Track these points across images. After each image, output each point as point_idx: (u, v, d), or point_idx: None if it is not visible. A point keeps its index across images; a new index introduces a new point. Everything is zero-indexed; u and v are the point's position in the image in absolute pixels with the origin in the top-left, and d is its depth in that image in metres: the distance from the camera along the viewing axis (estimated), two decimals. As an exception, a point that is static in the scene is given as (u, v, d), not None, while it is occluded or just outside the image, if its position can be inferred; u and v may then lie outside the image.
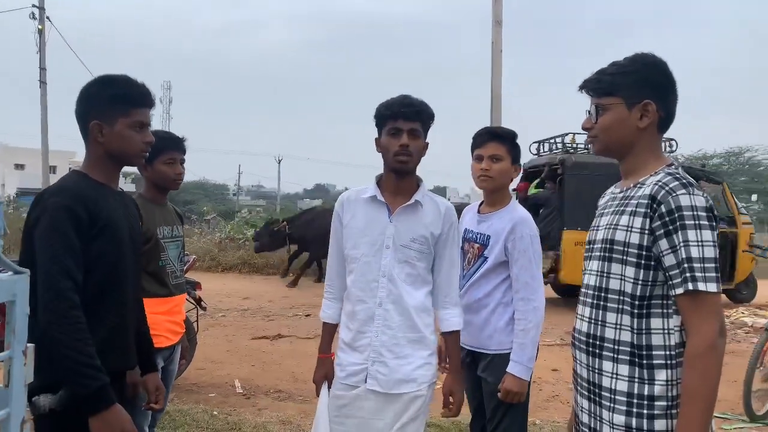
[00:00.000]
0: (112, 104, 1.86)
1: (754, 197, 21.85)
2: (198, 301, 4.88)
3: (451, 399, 2.28)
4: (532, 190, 10.25)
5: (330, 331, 2.37)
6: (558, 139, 10.35)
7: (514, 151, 2.63)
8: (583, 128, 1.72)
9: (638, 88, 1.61)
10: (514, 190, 10.27)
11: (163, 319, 2.62)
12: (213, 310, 8.21)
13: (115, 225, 1.84)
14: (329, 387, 2.29)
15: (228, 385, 5.18)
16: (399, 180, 2.25)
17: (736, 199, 10.22)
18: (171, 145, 2.69)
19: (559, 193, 9.56)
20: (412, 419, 2.18)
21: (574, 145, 10.07)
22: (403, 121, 2.18)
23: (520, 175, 2.71)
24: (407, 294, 2.20)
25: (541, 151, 10.63)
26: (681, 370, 1.49)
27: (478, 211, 2.69)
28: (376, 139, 2.28)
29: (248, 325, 7.92)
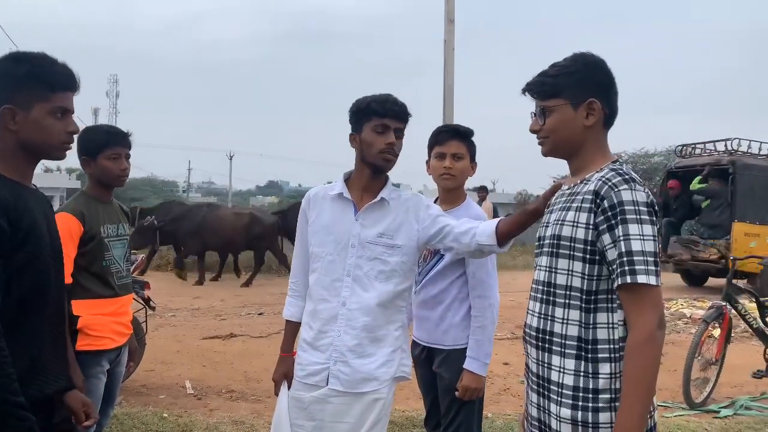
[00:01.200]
0: (29, 86, 1.59)
1: None
2: (146, 301, 4.77)
3: None
4: (696, 185, 11.37)
5: (293, 329, 2.35)
6: (709, 145, 12.01)
7: (473, 148, 2.66)
8: (531, 131, 1.73)
9: (581, 88, 1.64)
10: (669, 188, 12.09)
11: (108, 320, 2.54)
12: (162, 310, 8.03)
13: (38, 231, 1.61)
14: (289, 386, 2.26)
15: (178, 386, 5.07)
16: (374, 177, 2.23)
17: None
18: (115, 140, 2.58)
19: (729, 189, 10.87)
20: (375, 424, 2.16)
21: (737, 149, 11.53)
22: (392, 120, 2.18)
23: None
24: (375, 292, 2.17)
25: (685, 153, 12.29)
26: (623, 363, 1.52)
27: None
28: (352, 134, 2.23)
29: (199, 325, 7.78)
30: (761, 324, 5.22)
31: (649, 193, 1.57)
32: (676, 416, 4.58)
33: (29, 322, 1.58)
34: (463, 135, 2.65)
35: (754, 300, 5.26)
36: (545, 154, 1.75)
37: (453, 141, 2.61)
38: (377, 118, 2.17)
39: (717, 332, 5.10)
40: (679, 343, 6.66)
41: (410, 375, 2.30)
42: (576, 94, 1.64)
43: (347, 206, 2.23)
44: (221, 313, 8.74)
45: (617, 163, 1.65)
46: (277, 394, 2.30)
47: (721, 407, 4.83)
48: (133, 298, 4.28)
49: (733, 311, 5.07)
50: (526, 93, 1.73)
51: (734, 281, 5.14)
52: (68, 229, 2.39)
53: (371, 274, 2.17)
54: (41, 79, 1.61)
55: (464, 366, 2.48)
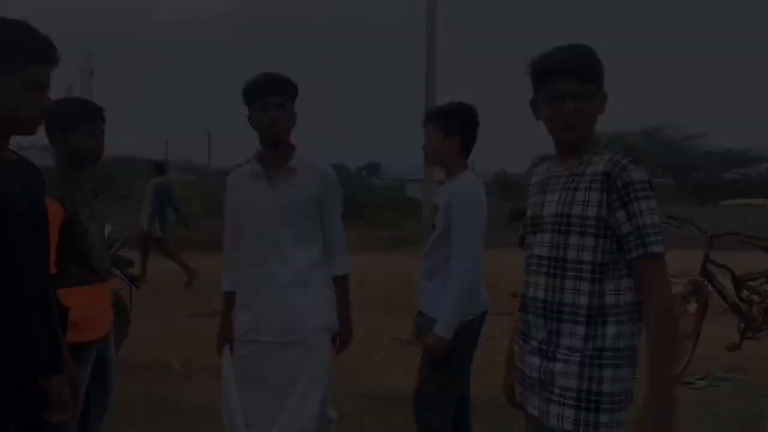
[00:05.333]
0: (2, 54, 1.49)
1: None
2: (132, 279, 4.76)
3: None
4: None
5: (230, 298, 2.61)
6: None
7: (446, 122, 2.66)
8: (564, 114, 1.70)
9: (602, 76, 1.75)
10: None
11: (97, 308, 2.44)
12: (147, 288, 7.99)
13: (8, 203, 1.51)
14: (231, 349, 2.55)
15: (165, 364, 5.08)
16: (274, 151, 2.46)
17: None
18: (91, 115, 2.41)
19: None
20: (313, 372, 2.39)
21: None
22: (269, 96, 2.38)
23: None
24: (295, 253, 2.43)
25: None
26: (627, 325, 1.69)
27: (440, 182, 2.88)
28: (247, 116, 2.46)
29: (185, 302, 7.77)
30: (736, 299, 5.37)
31: (648, 171, 1.69)
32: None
33: (2, 295, 1.50)
34: (431, 117, 2.73)
35: (730, 276, 5.40)
36: (573, 140, 1.75)
37: (427, 126, 2.72)
38: (257, 99, 2.40)
39: (694, 307, 5.23)
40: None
41: (336, 326, 2.51)
42: (601, 82, 1.74)
43: (260, 179, 2.46)
44: (207, 290, 8.71)
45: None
46: (220, 355, 2.59)
47: (698, 379, 4.96)
48: (118, 276, 4.26)
49: (710, 286, 5.20)
50: (562, 73, 1.69)
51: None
52: (50, 214, 2.14)
53: (289, 238, 2.42)
54: (17, 48, 1.51)
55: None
